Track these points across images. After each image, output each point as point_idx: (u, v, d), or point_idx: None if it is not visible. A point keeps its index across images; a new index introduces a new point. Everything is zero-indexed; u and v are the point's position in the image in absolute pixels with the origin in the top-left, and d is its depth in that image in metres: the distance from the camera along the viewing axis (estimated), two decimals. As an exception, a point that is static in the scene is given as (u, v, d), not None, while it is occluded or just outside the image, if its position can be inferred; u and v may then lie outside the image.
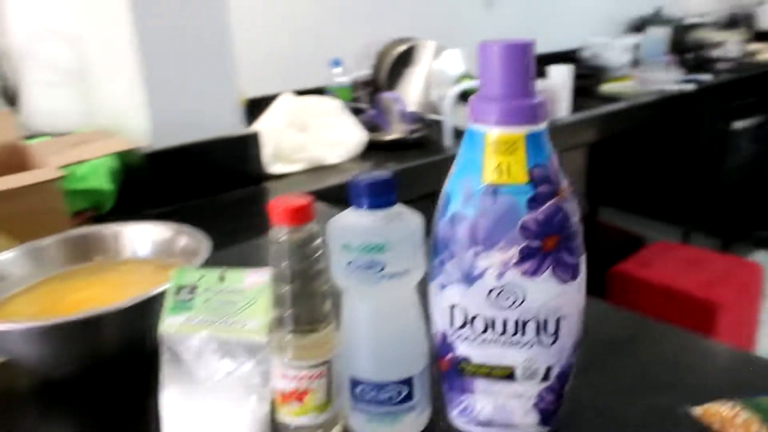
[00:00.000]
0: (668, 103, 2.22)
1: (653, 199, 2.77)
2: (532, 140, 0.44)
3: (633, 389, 0.58)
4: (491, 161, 0.44)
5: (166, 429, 0.53)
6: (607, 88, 2.30)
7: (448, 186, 0.47)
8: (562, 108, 1.85)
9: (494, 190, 0.44)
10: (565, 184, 0.45)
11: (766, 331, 2.12)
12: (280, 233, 0.46)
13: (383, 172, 0.47)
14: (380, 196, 0.47)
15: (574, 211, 0.46)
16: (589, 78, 2.32)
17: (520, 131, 0.44)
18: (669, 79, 2.25)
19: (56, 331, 0.58)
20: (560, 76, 1.83)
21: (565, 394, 0.50)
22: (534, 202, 0.44)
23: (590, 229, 2.33)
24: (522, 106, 0.44)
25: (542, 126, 0.45)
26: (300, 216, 0.46)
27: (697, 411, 0.51)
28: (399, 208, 0.48)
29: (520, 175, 0.44)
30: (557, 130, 1.82)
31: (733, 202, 2.66)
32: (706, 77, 2.40)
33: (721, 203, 2.62)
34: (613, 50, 2.46)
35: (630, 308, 0.72)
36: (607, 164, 2.81)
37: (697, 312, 1.83)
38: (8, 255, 0.73)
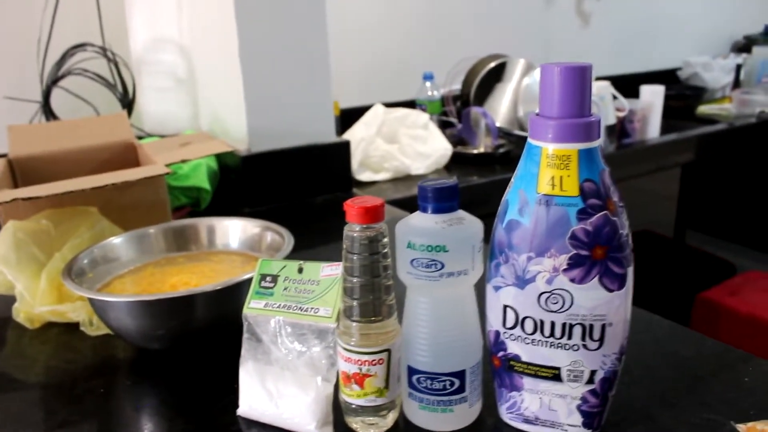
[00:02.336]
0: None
1: (747, 226, 2.67)
2: (585, 156, 0.47)
3: (685, 403, 0.59)
4: (546, 174, 0.48)
5: (243, 400, 0.59)
6: (704, 109, 2.25)
7: (507, 194, 0.51)
8: (653, 128, 1.83)
9: (547, 201, 0.48)
10: (615, 198, 0.48)
11: None
12: (353, 230, 0.51)
13: (448, 180, 0.52)
14: (444, 201, 0.51)
15: (622, 224, 0.48)
16: (686, 98, 2.28)
17: (574, 147, 0.47)
18: (771, 102, 2.18)
19: (156, 305, 0.66)
20: (652, 96, 1.81)
21: (609, 399, 0.53)
22: (584, 214, 0.47)
23: (678, 252, 2.27)
24: (576, 124, 0.47)
25: (595, 143, 0.48)
26: (371, 215, 0.51)
27: (741, 428, 0.53)
28: (461, 213, 0.52)
29: (571, 188, 0.47)
30: (647, 151, 1.80)
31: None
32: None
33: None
34: (714, 70, 2.40)
35: (713, 335, 0.73)
36: (701, 188, 2.73)
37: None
38: (118, 240, 0.83)
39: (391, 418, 0.56)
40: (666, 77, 2.48)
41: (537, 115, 0.49)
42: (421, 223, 0.51)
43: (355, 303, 0.52)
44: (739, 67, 2.47)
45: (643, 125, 1.84)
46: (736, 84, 2.46)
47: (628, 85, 2.09)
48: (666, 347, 0.70)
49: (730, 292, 2.01)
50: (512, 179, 0.51)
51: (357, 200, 0.51)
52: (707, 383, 0.63)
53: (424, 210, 0.52)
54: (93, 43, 1.40)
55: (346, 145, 1.35)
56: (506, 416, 0.56)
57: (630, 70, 2.47)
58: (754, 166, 2.56)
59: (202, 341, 0.70)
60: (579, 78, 0.47)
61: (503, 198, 0.52)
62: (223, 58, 1.28)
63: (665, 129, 1.94)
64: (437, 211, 0.51)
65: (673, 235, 2.70)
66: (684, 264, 2.38)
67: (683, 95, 2.30)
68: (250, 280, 0.61)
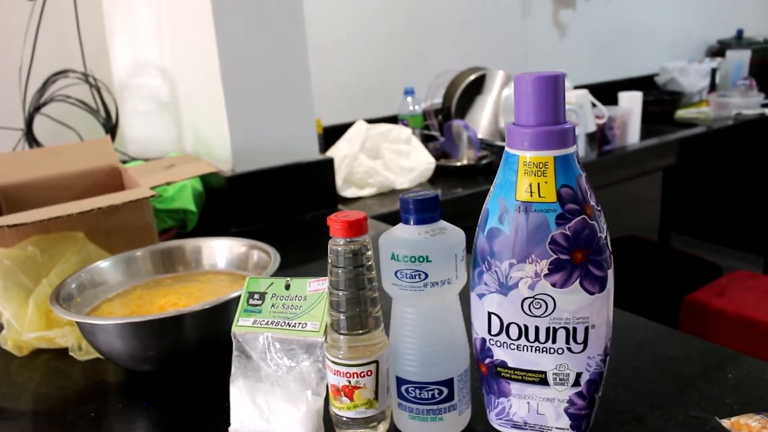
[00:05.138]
0: (746, 128, 2.18)
1: (731, 227, 2.70)
2: (561, 163, 0.49)
3: (671, 402, 0.60)
4: (524, 181, 0.49)
5: (234, 417, 0.59)
6: (682, 113, 2.28)
7: (487, 203, 0.52)
8: (633, 134, 1.85)
9: (526, 208, 0.49)
10: (592, 202, 0.49)
11: None
12: (337, 243, 0.52)
13: (429, 192, 0.53)
14: (425, 212, 0.52)
15: (601, 227, 0.50)
16: (664, 104, 2.31)
17: (550, 154, 0.49)
18: (748, 104, 2.21)
19: (145, 327, 0.66)
20: (630, 103, 1.84)
21: (596, 401, 0.54)
22: (562, 219, 0.48)
23: (663, 256, 2.29)
24: (551, 132, 0.49)
25: (571, 150, 0.49)
26: (354, 229, 0.52)
27: (726, 423, 0.54)
28: (443, 224, 0.53)
29: (549, 194, 0.49)
30: (628, 156, 1.82)
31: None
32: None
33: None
34: (690, 75, 2.44)
35: (702, 337, 0.74)
36: (683, 191, 2.76)
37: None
38: (105, 263, 0.83)
39: (381, 429, 0.56)
40: (644, 83, 2.51)
41: (513, 124, 0.51)
42: (403, 235, 0.52)
43: (341, 316, 0.53)
44: (714, 71, 2.51)
45: (623, 131, 1.86)
46: (712, 87, 2.49)
47: (606, 92, 2.11)
48: (652, 348, 0.71)
49: (717, 292, 2.03)
50: (492, 188, 0.52)
51: (340, 215, 0.52)
52: (693, 382, 0.64)
53: (407, 222, 0.53)
54: (75, 69, 1.40)
55: (329, 162, 1.36)
56: (496, 422, 0.57)
57: (608, 78, 2.50)
58: (733, 166, 2.60)
59: (192, 361, 0.71)
60: (552, 86, 0.48)
61: (484, 207, 0.53)
62: (204, 79, 1.29)
63: (645, 134, 1.96)
64: (419, 222, 0.52)
65: (658, 239, 2.72)
66: (670, 267, 2.41)
67: (661, 100, 2.34)
68: (238, 299, 0.61)
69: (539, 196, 0.49)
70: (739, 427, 0.53)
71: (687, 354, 0.70)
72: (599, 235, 0.49)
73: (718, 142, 2.17)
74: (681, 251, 2.63)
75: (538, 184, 0.49)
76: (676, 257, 2.57)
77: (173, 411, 0.66)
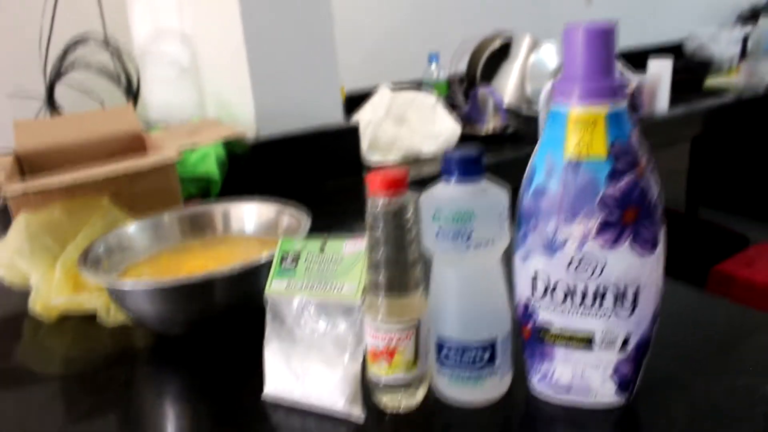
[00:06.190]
0: (778, 97, 2.12)
1: (758, 199, 2.65)
2: (613, 118, 0.46)
3: (718, 370, 0.58)
4: (573, 137, 0.47)
5: (269, 382, 0.58)
6: (712, 81, 2.22)
7: (533, 161, 0.50)
8: (662, 102, 1.81)
9: (575, 165, 0.47)
10: (644, 160, 0.47)
11: None
12: (377, 202, 0.50)
13: (473, 149, 0.51)
14: (469, 170, 0.50)
15: (653, 186, 0.47)
16: (693, 71, 2.25)
17: (601, 109, 0.46)
18: (780, 72, 2.15)
19: (175, 290, 0.65)
20: (660, 70, 1.79)
21: (642, 366, 0.52)
22: (613, 177, 0.46)
23: (691, 226, 2.25)
24: (603, 85, 0.46)
25: (622, 104, 0.47)
26: (395, 187, 0.50)
27: (779, 389, 0.52)
28: (486, 183, 0.51)
29: (600, 150, 0.46)
30: (656, 125, 1.78)
31: None
32: (821, 70, 2.27)
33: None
34: (720, 42, 2.37)
35: None
36: (711, 163, 2.70)
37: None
38: (132, 228, 0.82)
39: (420, 393, 0.55)
40: (671, 50, 2.45)
41: (562, 78, 0.48)
42: (446, 193, 0.50)
43: (380, 277, 0.51)
44: (746, 38, 2.44)
45: (651, 99, 1.82)
46: (743, 55, 2.43)
47: (632, 59, 2.06)
48: (691, 315, 0.69)
49: (745, 263, 2.00)
50: (537, 146, 0.50)
51: (379, 172, 0.50)
52: (736, 349, 0.62)
53: (449, 180, 0.51)
54: (95, 36, 1.39)
55: (355, 129, 1.34)
56: (538, 387, 0.55)
57: (635, 44, 2.44)
58: (762, 138, 2.54)
59: (222, 325, 0.70)
60: (604, 38, 0.46)
61: (529, 164, 0.51)
62: (227, 43, 1.27)
63: (673, 102, 1.92)
64: (463, 180, 0.50)
65: (685, 210, 2.68)
66: (697, 238, 2.37)
67: (690, 68, 2.27)
68: (270, 262, 0.60)
69: (589, 153, 0.46)
70: (792, 394, 0.51)
71: (727, 320, 0.68)
72: (651, 193, 0.47)
73: (748, 112, 2.12)
74: (708, 222, 2.59)
75: (589, 139, 0.46)
76: (704, 228, 2.52)
77: (204, 375, 0.66)
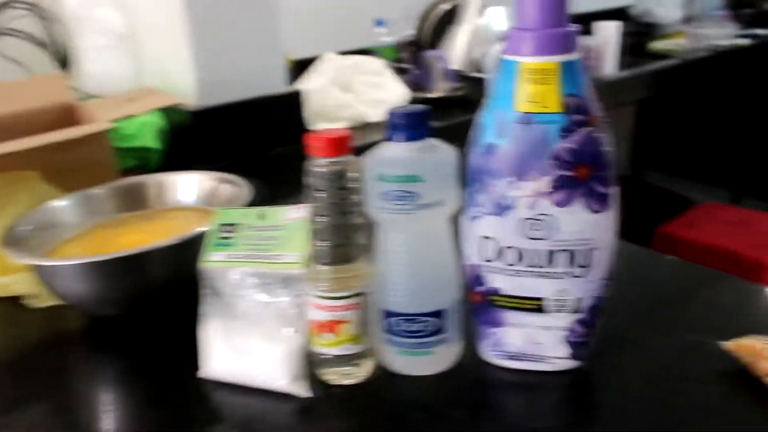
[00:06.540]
0: (721, 59, 2.14)
1: (702, 161, 2.70)
2: (567, 69, 0.44)
3: (670, 327, 0.58)
4: (524, 90, 0.44)
5: (207, 360, 0.55)
6: (657, 45, 2.23)
7: (482, 117, 0.47)
8: (610, 65, 1.81)
9: (527, 119, 0.44)
10: (598, 113, 0.45)
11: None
12: (318, 164, 0.47)
13: (418, 106, 0.48)
14: (415, 127, 0.47)
15: (606, 140, 0.45)
16: (639, 35, 2.26)
17: (554, 60, 0.44)
18: (723, 35, 2.17)
19: (107, 266, 0.61)
20: (608, 33, 1.79)
21: (596, 328, 0.50)
22: (567, 131, 0.44)
23: (636, 189, 2.28)
24: (556, 35, 0.44)
25: (576, 55, 0.44)
26: (337, 147, 0.47)
27: (730, 345, 0.51)
28: (433, 141, 0.48)
29: (553, 104, 0.44)
30: (604, 87, 1.78)
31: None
32: (763, 32, 2.30)
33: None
34: (665, 6, 2.38)
35: None
36: (656, 126, 2.74)
37: (744, 272, 1.79)
38: (62, 203, 0.77)
39: (368, 365, 0.53)
40: (617, 15, 2.45)
41: (513, 28, 0.45)
42: (391, 152, 0.47)
43: (324, 245, 0.48)
44: (690, 2, 2.46)
45: (599, 62, 1.81)
46: (689, 19, 2.44)
47: (580, 23, 2.05)
48: (641, 273, 0.69)
49: (687, 224, 2.04)
50: (486, 101, 0.48)
51: (319, 132, 0.47)
52: (686, 307, 0.62)
53: (394, 138, 0.47)
54: (21, 0, 1.30)
55: (299, 95, 1.30)
56: (489, 354, 0.53)
57: (581, 9, 2.44)
58: (705, 100, 2.58)
59: (160, 303, 0.65)
60: (555, -18, 0.43)
61: (477, 121, 0.48)
62: (165, 10, 1.21)
63: (620, 66, 1.92)
64: (409, 138, 0.47)
65: (631, 173, 2.71)
66: (642, 200, 2.40)
67: (636, 32, 2.28)
68: (206, 233, 0.56)
69: (542, 106, 0.44)
70: (742, 349, 0.50)
71: (676, 277, 0.68)
72: (605, 148, 0.45)
73: (692, 75, 2.14)
74: (653, 185, 2.63)
75: (542, 92, 0.44)
76: (648, 190, 2.57)
77: (142, 356, 0.62)
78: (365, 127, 1.43)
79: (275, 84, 1.28)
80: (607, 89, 1.80)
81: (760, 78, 2.39)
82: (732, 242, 1.88)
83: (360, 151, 0.50)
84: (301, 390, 0.52)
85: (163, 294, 0.65)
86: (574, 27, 0.45)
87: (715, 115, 2.62)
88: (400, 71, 1.69)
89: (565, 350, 0.50)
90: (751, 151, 2.54)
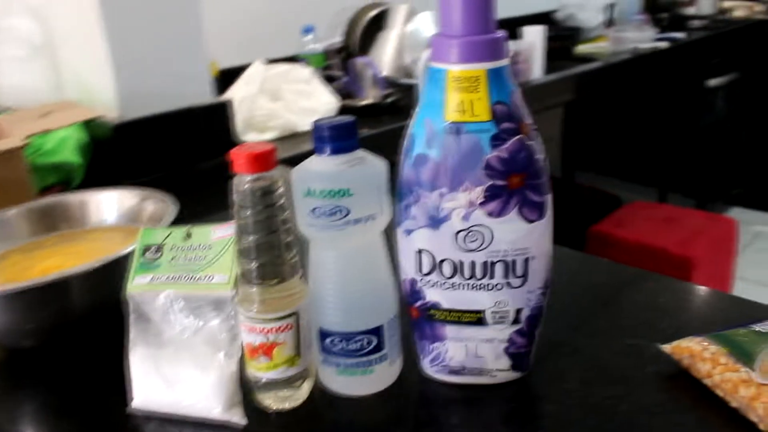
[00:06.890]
0: (642, 61, 2.21)
1: (629, 161, 2.78)
2: (494, 76, 0.43)
3: (608, 331, 0.58)
4: (453, 99, 0.43)
5: (137, 392, 0.52)
6: (581, 48, 2.29)
7: (411, 128, 0.46)
8: (536, 69, 1.84)
9: (457, 129, 0.43)
10: (528, 120, 0.44)
11: (740, 285, 2.14)
12: (243, 180, 0.45)
13: (345, 117, 0.46)
14: (342, 140, 0.45)
15: (538, 148, 0.45)
16: (563, 39, 2.31)
17: (482, 67, 0.43)
18: (643, 38, 2.25)
19: (21, 297, 0.56)
20: (534, 37, 1.82)
21: (536, 337, 0.50)
22: (497, 140, 0.43)
23: (567, 190, 2.33)
24: (483, 42, 0.43)
25: (504, 62, 0.44)
26: (262, 163, 0.44)
27: (667, 348, 0.51)
28: (362, 153, 0.47)
29: (482, 112, 0.43)
30: (531, 91, 1.81)
31: (707, 162, 2.68)
32: (680, 35, 2.40)
33: (696, 163, 2.64)
34: (588, 11, 2.45)
35: None
36: (583, 128, 2.81)
37: (674, 268, 1.85)
38: (-30, 227, 0.72)
39: (306, 388, 0.51)
40: (542, 19, 2.50)
41: (439, 35, 0.44)
42: (319, 166, 0.46)
43: (253, 265, 0.46)
44: (611, 7, 2.53)
45: (527, 66, 1.84)
46: (610, 23, 2.52)
47: (506, 29, 2.08)
48: (576, 278, 0.69)
49: (618, 223, 2.09)
50: (415, 111, 0.46)
51: (244, 147, 0.45)
52: (621, 308, 0.62)
53: (321, 151, 0.46)
54: None
55: (226, 106, 1.26)
56: (430, 370, 0.52)
57: (506, 15, 2.48)
58: (629, 101, 2.66)
59: (82, 332, 0.62)
60: (481, -11, 0.42)
61: (407, 132, 0.47)
62: (83, 19, 1.15)
63: (546, 70, 1.95)
64: (336, 151, 0.45)
65: (561, 175, 2.77)
66: (573, 201, 2.45)
67: (561, 36, 2.33)
68: (130, 255, 0.53)
69: (472, 115, 0.43)
70: (681, 351, 0.50)
71: (611, 280, 0.68)
72: (537, 156, 0.45)
73: (615, 77, 2.20)
74: (583, 185, 2.69)
75: (471, 101, 0.43)
76: (579, 191, 2.63)
77: (65, 390, 0.58)
78: (295, 136, 1.41)
79: (201, 94, 1.25)
80: (534, 93, 1.83)
81: (678, 78, 2.48)
82: (661, 239, 1.94)
83: (290, 162, 0.48)
84: (237, 417, 0.49)
85: (85, 322, 0.61)
86: (500, 33, 0.44)
87: (639, 114, 2.70)
88: (329, 79, 1.68)
89: (506, 362, 0.50)
90: (675, 149, 2.63)
